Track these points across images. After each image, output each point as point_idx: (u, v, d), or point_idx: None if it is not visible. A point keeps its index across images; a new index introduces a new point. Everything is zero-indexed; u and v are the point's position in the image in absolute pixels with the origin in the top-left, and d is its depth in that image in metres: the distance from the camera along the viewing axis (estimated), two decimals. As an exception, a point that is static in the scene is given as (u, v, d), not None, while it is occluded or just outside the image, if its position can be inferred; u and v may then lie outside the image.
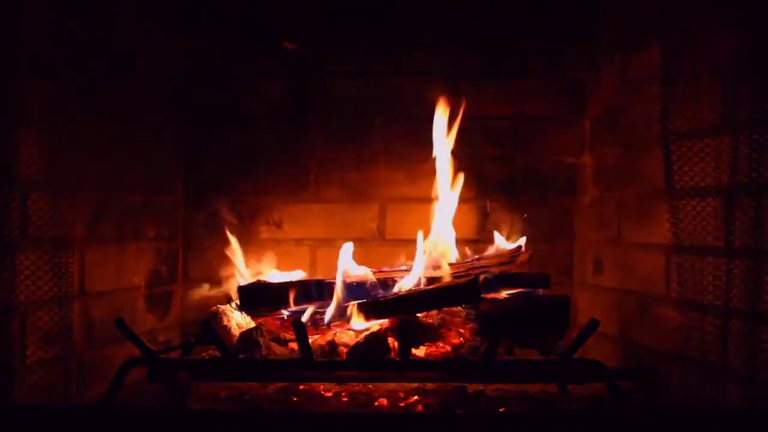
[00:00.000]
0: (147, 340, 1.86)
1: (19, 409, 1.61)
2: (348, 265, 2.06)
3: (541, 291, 2.05)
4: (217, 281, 2.35)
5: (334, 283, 2.02)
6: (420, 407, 1.87)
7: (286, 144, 2.52)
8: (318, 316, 2.01)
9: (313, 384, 2.00)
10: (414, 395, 1.94)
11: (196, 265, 2.53)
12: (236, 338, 1.92)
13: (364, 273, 2.05)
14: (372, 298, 1.98)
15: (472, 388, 1.99)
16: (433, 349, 1.94)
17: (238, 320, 2.00)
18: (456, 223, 2.26)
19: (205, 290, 2.44)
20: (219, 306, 2.05)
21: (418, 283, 2.04)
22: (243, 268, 2.25)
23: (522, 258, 2.16)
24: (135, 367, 1.78)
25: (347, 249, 2.09)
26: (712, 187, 1.71)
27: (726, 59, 1.67)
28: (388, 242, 2.48)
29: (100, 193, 2.02)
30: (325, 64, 2.50)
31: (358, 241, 2.47)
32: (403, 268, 2.15)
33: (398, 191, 2.51)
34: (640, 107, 2.08)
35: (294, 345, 1.90)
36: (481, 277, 1.97)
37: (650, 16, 2.02)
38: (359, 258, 2.19)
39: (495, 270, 2.07)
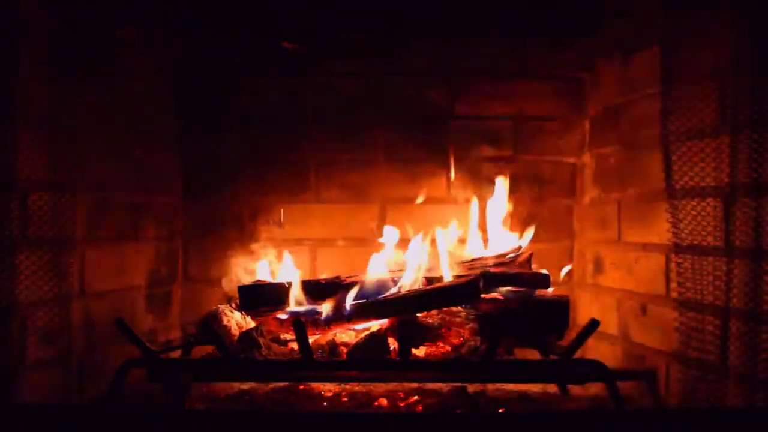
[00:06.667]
0: (147, 340, 1.86)
1: (19, 409, 1.61)
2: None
3: (545, 291, 2.05)
4: (217, 281, 2.35)
5: (334, 283, 2.02)
6: (420, 407, 1.87)
7: (286, 144, 2.52)
8: (318, 316, 2.00)
9: (313, 384, 2.00)
10: (414, 395, 1.94)
11: (196, 265, 2.53)
12: (236, 338, 1.92)
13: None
14: (372, 298, 1.98)
15: (472, 388, 1.99)
16: (433, 349, 1.94)
17: (238, 320, 2.00)
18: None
19: (204, 290, 2.45)
20: (219, 306, 2.05)
21: (417, 283, 2.04)
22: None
23: (522, 258, 2.16)
24: (135, 367, 1.78)
25: None
26: (712, 187, 1.71)
27: (726, 59, 1.68)
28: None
29: (100, 193, 2.02)
30: (324, 63, 2.50)
31: (358, 241, 2.48)
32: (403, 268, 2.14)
33: (398, 191, 2.51)
34: (640, 107, 2.08)
35: (294, 345, 1.90)
36: (481, 277, 1.98)
37: (650, 16, 2.02)
38: (359, 258, 2.19)
39: (495, 270, 2.08)
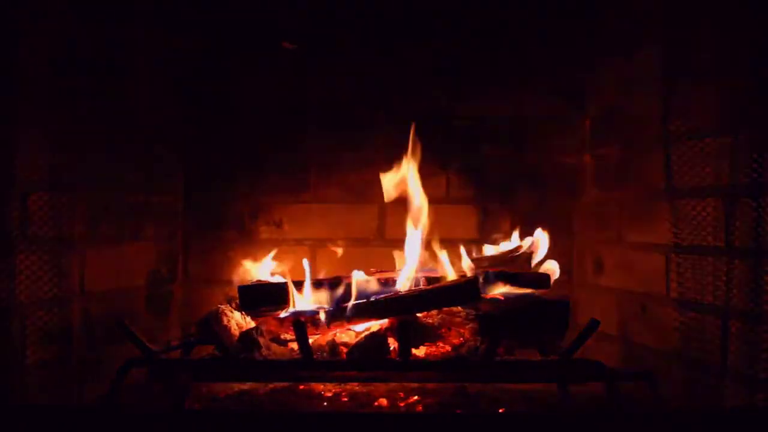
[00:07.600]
0: (147, 340, 1.86)
1: (19, 409, 1.61)
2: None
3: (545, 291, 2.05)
4: (216, 281, 2.35)
5: (334, 283, 2.02)
6: (420, 407, 1.87)
7: (286, 144, 2.52)
8: (318, 316, 2.00)
9: (313, 384, 2.00)
10: (414, 395, 1.94)
11: (196, 265, 2.53)
12: (236, 338, 1.92)
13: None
14: (372, 298, 1.98)
15: (472, 388, 1.98)
16: (433, 349, 1.94)
17: (238, 320, 2.00)
18: (456, 224, 2.26)
19: (204, 290, 2.44)
20: (219, 306, 2.05)
21: (418, 283, 2.04)
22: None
23: (522, 258, 2.16)
24: (135, 367, 1.78)
25: None
26: (712, 187, 1.71)
27: (726, 59, 1.68)
28: (388, 242, 2.48)
29: (100, 193, 2.02)
30: (324, 63, 2.50)
31: (358, 241, 2.48)
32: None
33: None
34: (640, 107, 2.08)
35: (294, 345, 1.90)
36: (481, 276, 1.98)
37: (650, 16, 2.02)
38: (359, 258, 2.19)
39: (495, 270, 2.08)
